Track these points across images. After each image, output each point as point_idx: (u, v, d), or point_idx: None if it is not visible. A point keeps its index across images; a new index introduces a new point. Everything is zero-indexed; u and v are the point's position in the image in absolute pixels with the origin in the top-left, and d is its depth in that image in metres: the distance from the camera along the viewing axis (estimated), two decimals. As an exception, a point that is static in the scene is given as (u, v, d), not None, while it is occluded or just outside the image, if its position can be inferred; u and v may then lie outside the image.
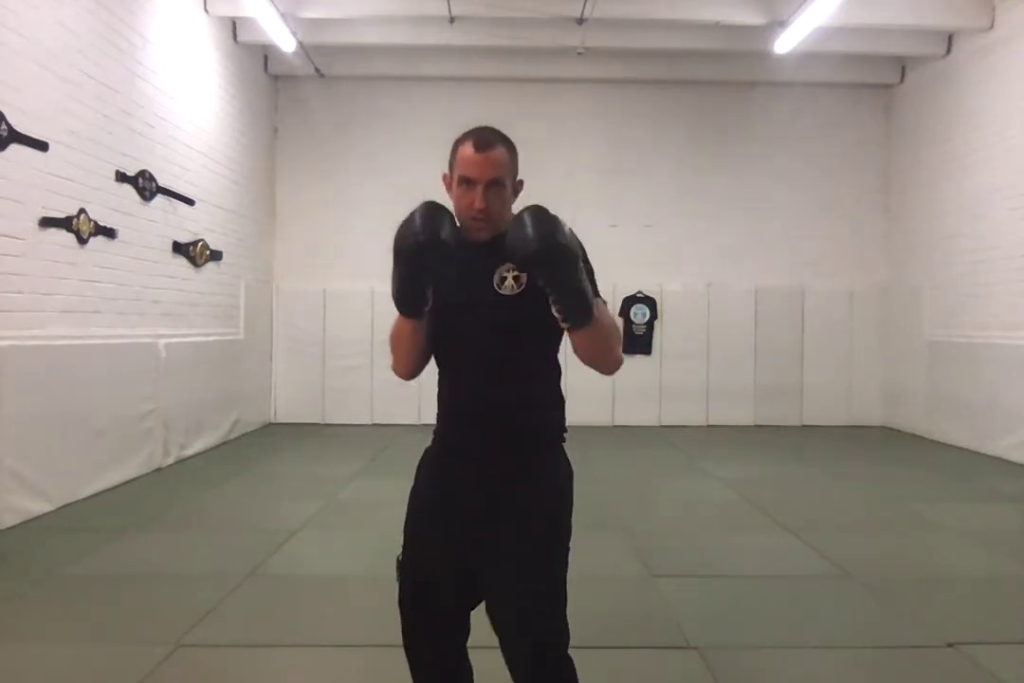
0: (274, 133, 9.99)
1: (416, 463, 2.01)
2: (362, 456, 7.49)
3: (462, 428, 1.90)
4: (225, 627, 3.31)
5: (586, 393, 6.71)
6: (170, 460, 6.85)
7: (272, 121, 9.94)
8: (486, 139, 1.82)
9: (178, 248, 7.27)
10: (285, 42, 8.35)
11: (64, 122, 5.44)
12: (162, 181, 6.87)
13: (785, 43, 8.27)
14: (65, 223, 5.46)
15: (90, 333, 5.74)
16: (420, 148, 9.73)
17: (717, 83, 10.02)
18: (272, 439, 8.70)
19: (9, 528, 4.69)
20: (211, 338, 7.93)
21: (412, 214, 1.73)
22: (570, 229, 1.68)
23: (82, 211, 5.64)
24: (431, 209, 1.73)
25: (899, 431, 9.55)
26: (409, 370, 1.92)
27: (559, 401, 1.95)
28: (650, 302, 9.90)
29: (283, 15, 7.84)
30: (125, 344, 6.19)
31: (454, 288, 1.80)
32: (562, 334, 1.85)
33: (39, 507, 5.01)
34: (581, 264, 1.67)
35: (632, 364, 9.66)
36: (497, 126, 1.93)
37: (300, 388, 9.82)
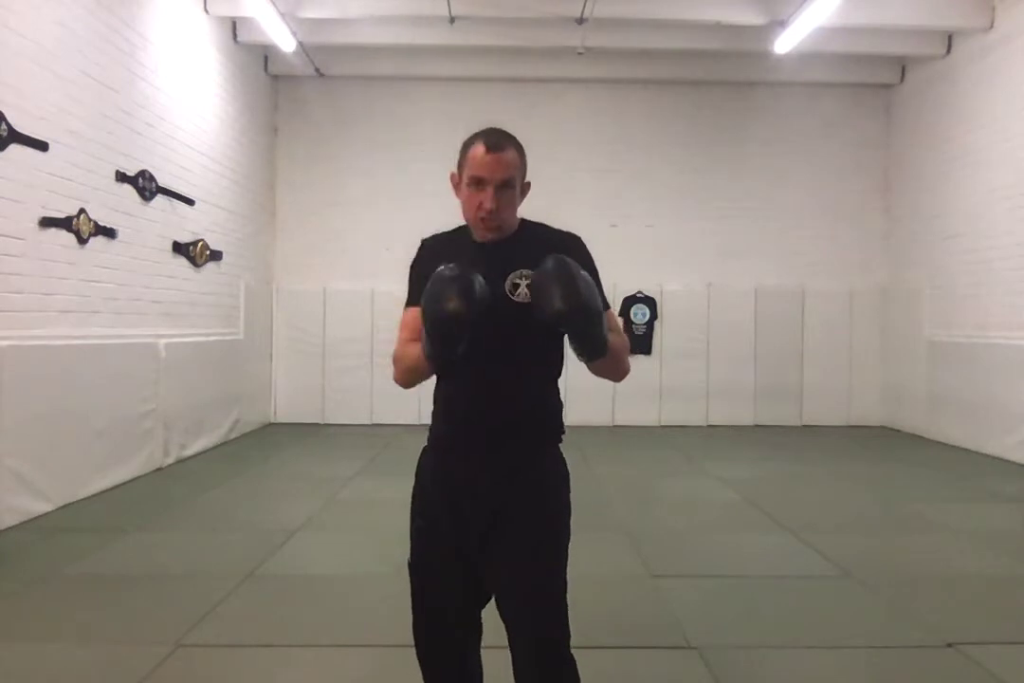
0: (274, 133, 9.99)
1: (415, 463, 2.01)
2: (362, 456, 7.49)
3: (463, 429, 1.90)
4: (225, 627, 3.31)
5: (586, 393, 6.72)
6: (170, 460, 6.85)
7: (272, 121, 9.94)
8: (497, 140, 1.83)
9: (178, 248, 7.27)
10: (285, 42, 8.36)
11: (64, 122, 5.44)
12: (162, 181, 6.87)
13: (785, 43, 8.27)
14: (65, 223, 5.46)
15: (90, 333, 5.74)
16: (420, 148, 9.75)
17: (717, 83, 10.02)
18: (272, 439, 8.70)
19: (9, 528, 4.69)
20: (211, 338, 7.93)
21: (445, 278, 1.69)
22: (587, 277, 1.70)
23: (82, 211, 5.64)
24: (465, 273, 1.70)
25: (899, 431, 9.55)
26: (412, 386, 1.94)
27: (558, 402, 1.97)
28: (650, 302, 9.90)
29: (283, 15, 7.84)
30: (125, 344, 6.19)
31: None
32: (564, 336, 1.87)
33: (39, 507, 5.01)
34: (602, 316, 1.72)
35: (632, 364, 9.56)
36: (497, 126, 1.94)
37: (300, 388, 9.82)
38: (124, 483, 6.04)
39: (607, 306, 1.82)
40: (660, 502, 5.85)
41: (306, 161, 10.00)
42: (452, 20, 8.11)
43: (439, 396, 1.96)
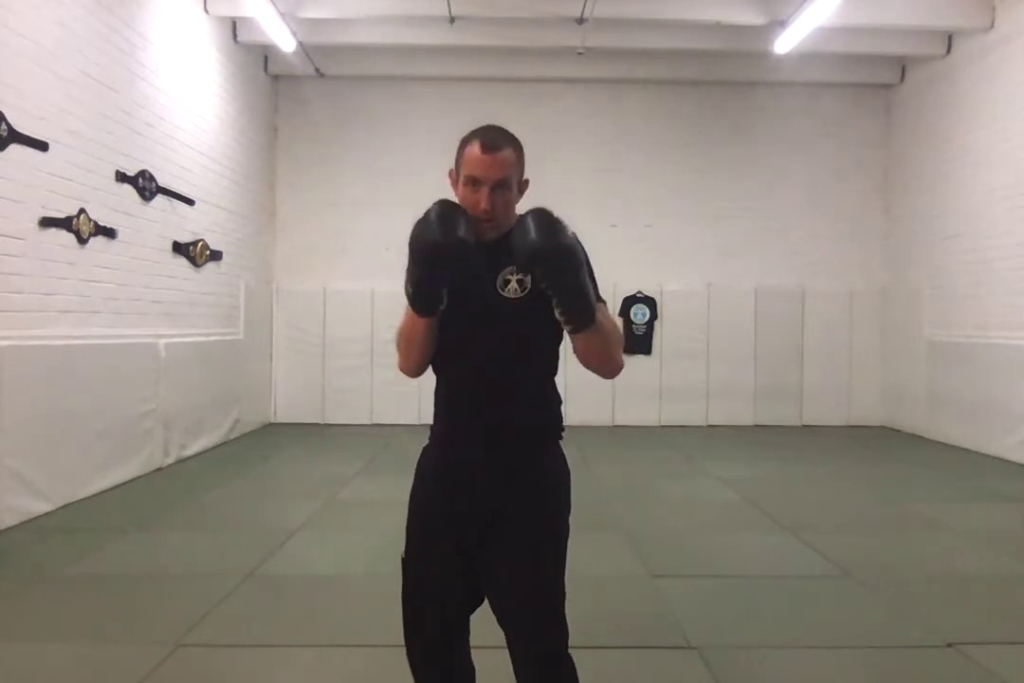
0: (274, 133, 9.99)
1: (415, 463, 2.01)
2: (362, 456, 7.49)
3: (462, 428, 1.90)
4: (225, 627, 3.31)
5: (586, 393, 6.73)
6: (170, 460, 6.85)
7: (272, 121, 9.94)
8: (493, 140, 1.81)
9: (178, 248, 7.27)
10: (285, 42, 8.36)
11: (64, 122, 5.44)
12: (162, 181, 6.87)
13: (785, 43, 8.27)
14: (65, 223, 5.46)
15: (90, 333, 5.74)
16: (420, 148, 9.75)
17: (717, 83, 10.02)
18: (272, 439, 8.70)
19: (9, 528, 4.69)
20: (211, 338, 7.93)
21: (427, 213, 1.72)
22: (573, 232, 1.69)
23: (82, 211, 5.64)
24: (447, 208, 1.73)
25: (899, 431, 9.55)
26: (418, 368, 1.92)
27: (557, 400, 1.96)
28: (650, 302, 9.90)
29: (283, 15, 7.84)
30: (125, 344, 6.19)
31: (462, 287, 1.79)
32: (562, 335, 1.86)
33: (39, 507, 5.01)
34: (584, 267, 1.69)
35: (632, 364, 9.64)
36: (494, 123, 1.93)
37: (300, 388, 9.82)
38: (124, 483, 6.04)
39: (601, 300, 1.80)
40: (660, 502, 5.85)
41: (306, 161, 10.00)
42: (451, 20, 8.11)
43: (439, 394, 1.95)
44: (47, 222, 5.27)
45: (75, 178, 5.58)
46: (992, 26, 8.00)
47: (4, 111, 4.81)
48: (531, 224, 1.67)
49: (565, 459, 1.95)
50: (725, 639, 3.21)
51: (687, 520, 5.22)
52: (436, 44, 8.86)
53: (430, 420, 2.00)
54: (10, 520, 4.74)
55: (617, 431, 9.51)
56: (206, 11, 7.78)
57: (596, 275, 1.82)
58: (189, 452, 7.23)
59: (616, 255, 9.49)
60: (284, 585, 3.87)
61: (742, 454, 8.06)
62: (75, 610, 3.49)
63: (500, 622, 1.86)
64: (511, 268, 1.80)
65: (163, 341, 6.75)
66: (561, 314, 1.70)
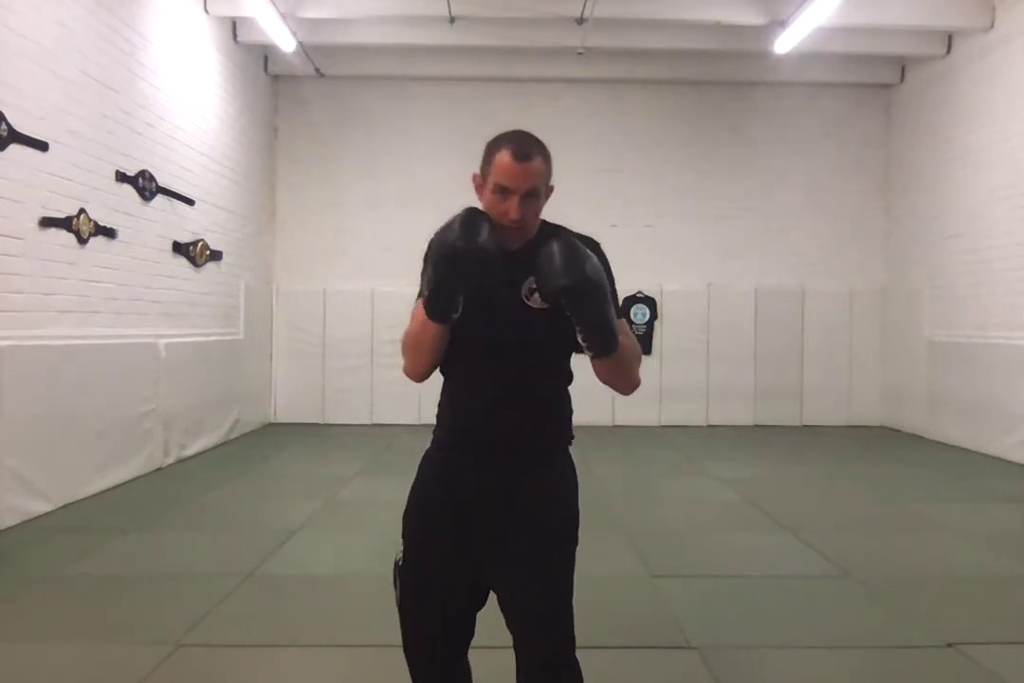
0: (274, 133, 9.99)
1: (416, 462, 2.01)
2: (362, 456, 7.49)
3: (474, 433, 1.87)
4: (225, 627, 3.31)
5: (586, 393, 6.69)
6: (170, 460, 6.85)
7: (272, 121, 9.94)
8: (525, 148, 1.77)
9: (178, 248, 7.27)
10: (285, 42, 8.35)
11: (64, 122, 5.44)
12: (162, 181, 6.87)
13: (785, 43, 8.27)
14: (65, 223, 5.46)
15: (90, 333, 5.74)
16: (420, 148, 9.75)
17: (717, 83, 10.02)
18: (272, 439, 8.70)
19: (9, 528, 4.69)
20: (211, 338, 7.93)
21: (453, 219, 1.70)
22: (596, 260, 1.68)
23: (82, 211, 5.64)
24: (472, 215, 1.70)
25: (899, 431, 9.55)
26: (424, 373, 1.88)
27: (569, 408, 1.95)
28: (650, 302, 9.90)
29: (283, 15, 7.84)
30: (125, 344, 6.19)
31: (483, 295, 1.76)
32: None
33: (39, 507, 5.01)
34: (609, 298, 1.68)
35: (632, 364, 9.65)
36: (496, 126, 1.92)
37: (300, 388, 9.82)
38: (124, 483, 6.04)
39: (621, 315, 1.79)
40: (660, 502, 5.85)
41: (306, 161, 10.00)
42: (452, 20, 8.11)
43: (448, 396, 1.92)
44: (47, 222, 5.27)
45: (75, 178, 5.58)
46: (992, 26, 8.00)
47: (4, 111, 4.81)
48: (556, 255, 1.65)
49: (575, 467, 1.94)
50: (725, 639, 3.21)
51: (687, 520, 5.22)
52: (436, 44, 8.86)
53: (430, 420, 1.99)
54: (10, 520, 4.74)
55: (617, 431, 9.51)
56: (206, 11, 7.78)
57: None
58: (189, 452, 7.23)
59: (616, 255, 9.31)
60: (284, 585, 3.87)
61: (742, 454, 8.06)
62: (75, 610, 3.49)
63: (509, 626, 1.85)
64: (535, 277, 1.75)
65: (163, 341, 6.75)
66: (583, 341, 1.71)
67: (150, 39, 6.67)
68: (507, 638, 1.83)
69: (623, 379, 1.84)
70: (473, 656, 2.03)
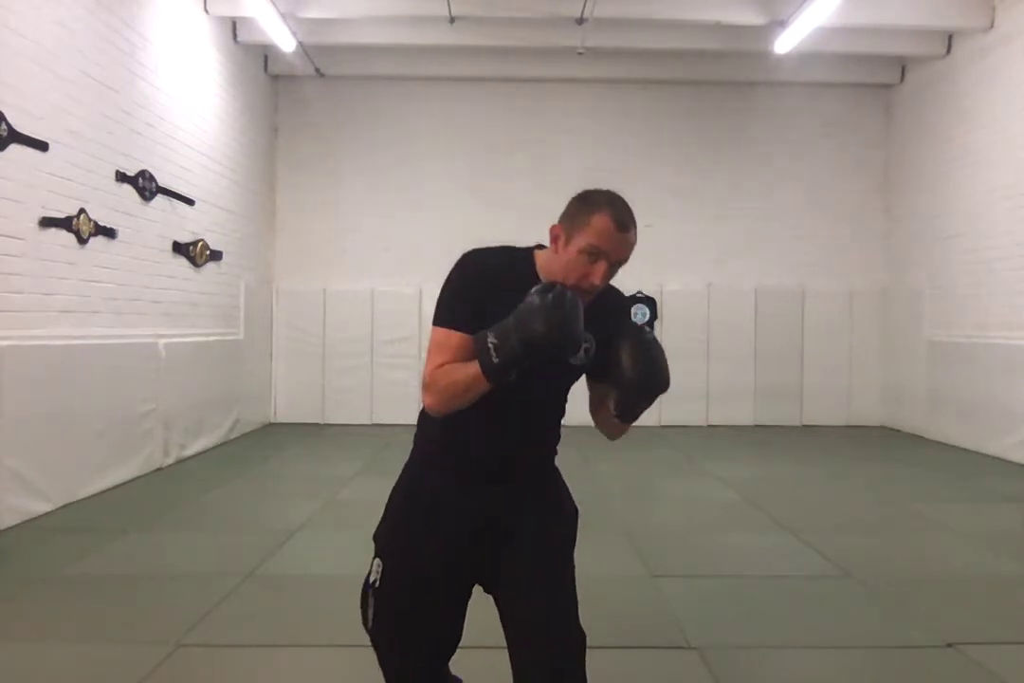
0: (274, 133, 9.99)
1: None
2: (362, 456, 7.49)
3: (479, 462, 1.84)
4: (225, 627, 3.31)
5: (586, 393, 6.72)
6: (170, 460, 6.85)
7: (272, 121, 9.94)
8: (626, 219, 1.73)
9: (178, 248, 7.27)
10: (285, 42, 8.35)
11: (64, 122, 5.44)
12: (162, 181, 6.87)
13: (785, 43, 8.27)
14: (65, 223, 5.46)
15: (90, 333, 5.74)
16: (420, 148, 9.75)
17: (717, 83, 10.02)
18: (272, 439, 8.70)
19: (9, 528, 4.69)
20: (211, 338, 7.93)
21: (556, 299, 1.58)
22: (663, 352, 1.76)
23: (82, 211, 5.64)
24: (572, 301, 1.60)
25: (899, 431, 9.55)
26: (453, 412, 1.76)
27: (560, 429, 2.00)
28: (650, 302, 9.89)
29: (283, 15, 7.83)
30: (125, 344, 6.18)
31: None
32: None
33: (39, 507, 5.01)
34: None
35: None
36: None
37: (300, 388, 9.81)
38: (124, 483, 6.03)
39: None
40: (660, 502, 5.85)
41: (306, 161, 9.99)
42: (452, 20, 8.11)
43: (458, 425, 1.80)
44: (47, 222, 5.27)
45: (75, 178, 5.58)
46: (992, 26, 8.00)
47: (4, 111, 4.81)
48: (657, 356, 1.72)
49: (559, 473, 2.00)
50: (725, 639, 3.21)
51: (687, 520, 5.23)
52: (436, 44, 8.85)
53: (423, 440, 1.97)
54: (10, 520, 4.73)
55: (617, 431, 9.49)
56: (206, 11, 7.78)
57: None
58: (189, 452, 7.23)
59: None
60: (284, 585, 3.86)
61: (742, 454, 8.06)
62: (75, 610, 3.49)
63: (515, 632, 1.79)
64: (586, 335, 1.70)
65: (163, 341, 6.75)
66: (615, 409, 1.76)
67: (150, 39, 6.67)
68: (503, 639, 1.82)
69: (618, 432, 1.95)
70: (473, 656, 2.03)
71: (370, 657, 3.02)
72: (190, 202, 7.46)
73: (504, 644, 1.84)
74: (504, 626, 1.79)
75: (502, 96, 9.79)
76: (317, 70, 9.48)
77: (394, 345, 9.63)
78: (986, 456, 7.64)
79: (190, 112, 7.52)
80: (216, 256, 8.07)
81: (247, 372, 8.85)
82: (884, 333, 10.04)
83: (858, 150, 10.17)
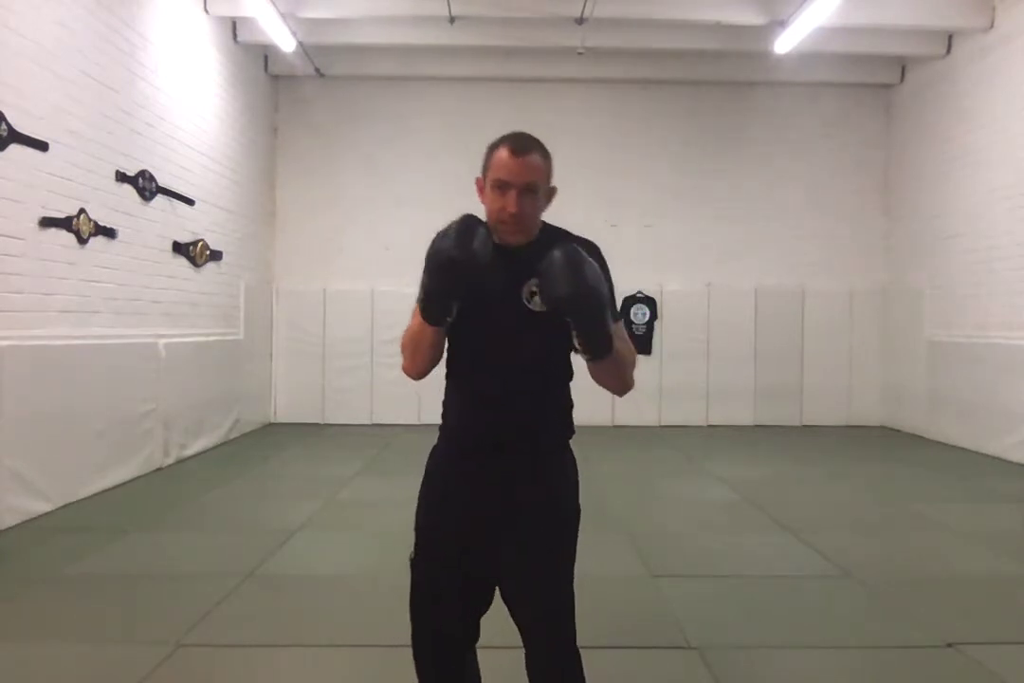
0: (274, 133, 9.99)
1: (416, 462, 2.01)
2: (362, 456, 7.49)
3: (477, 432, 1.90)
4: (225, 627, 3.31)
5: (586, 393, 6.71)
6: (170, 460, 6.85)
7: (272, 121, 9.94)
8: (523, 144, 1.83)
9: (178, 248, 7.27)
10: (285, 42, 8.35)
11: (64, 122, 5.44)
12: (162, 181, 6.87)
13: (785, 43, 8.27)
14: (65, 223, 5.46)
15: (90, 333, 5.74)
16: (420, 148, 9.76)
17: (717, 83, 10.02)
18: (272, 439, 8.70)
19: (9, 528, 4.69)
20: (211, 338, 7.93)
21: (448, 227, 1.73)
22: (597, 268, 1.71)
23: (82, 211, 5.64)
24: (468, 223, 1.73)
25: (899, 431, 9.55)
26: (421, 371, 1.93)
27: (569, 404, 1.98)
28: (650, 302, 9.90)
29: (283, 15, 7.83)
30: (125, 344, 6.18)
31: (483, 291, 1.79)
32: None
33: (39, 507, 5.01)
34: (607, 306, 1.71)
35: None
36: (496, 126, 1.94)
37: (300, 388, 9.81)
38: (124, 483, 6.04)
39: (617, 317, 1.83)
40: (660, 502, 5.85)
41: (306, 161, 10.00)
42: (452, 20, 8.11)
43: (453, 398, 1.95)
44: (47, 222, 5.27)
45: (75, 178, 5.58)
46: (992, 26, 8.00)
47: (4, 111, 4.81)
48: (559, 263, 1.68)
49: (575, 462, 1.98)
50: (725, 639, 3.21)
51: (687, 520, 5.22)
52: (436, 44, 8.85)
53: (430, 420, 2.01)
54: (10, 520, 4.74)
55: (617, 431, 9.51)
56: (206, 11, 7.78)
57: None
58: (189, 452, 7.23)
59: (616, 255, 9.36)
60: (284, 585, 3.86)
61: (742, 454, 8.06)
62: (75, 610, 3.49)
63: (514, 616, 1.89)
64: (536, 281, 1.78)
65: (163, 341, 6.75)
66: (579, 345, 1.74)
67: (150, 39, 6.67)
68: (509, 638, 1.83)
69: (616, 381, 1.88)
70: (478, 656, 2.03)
71: (370, 657, 3.03)
72: (190, 202, 7.46)
73: (507, 644, 1.86)
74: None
75: (502, 96, 9.80)
76: (317, 70, 9.48)
77: (394, 345, 9.43)
78: (986, 456, 7.64)
79: (190, 112, 7.52)
80: (216, 256, 8.07)
81: (247, 372, 8.85)
82: (884, 333, 10.04)
83: (858, 150, 10.17)
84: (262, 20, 7.80)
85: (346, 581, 3.94)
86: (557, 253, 1.69)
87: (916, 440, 8.92)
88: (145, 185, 6.58)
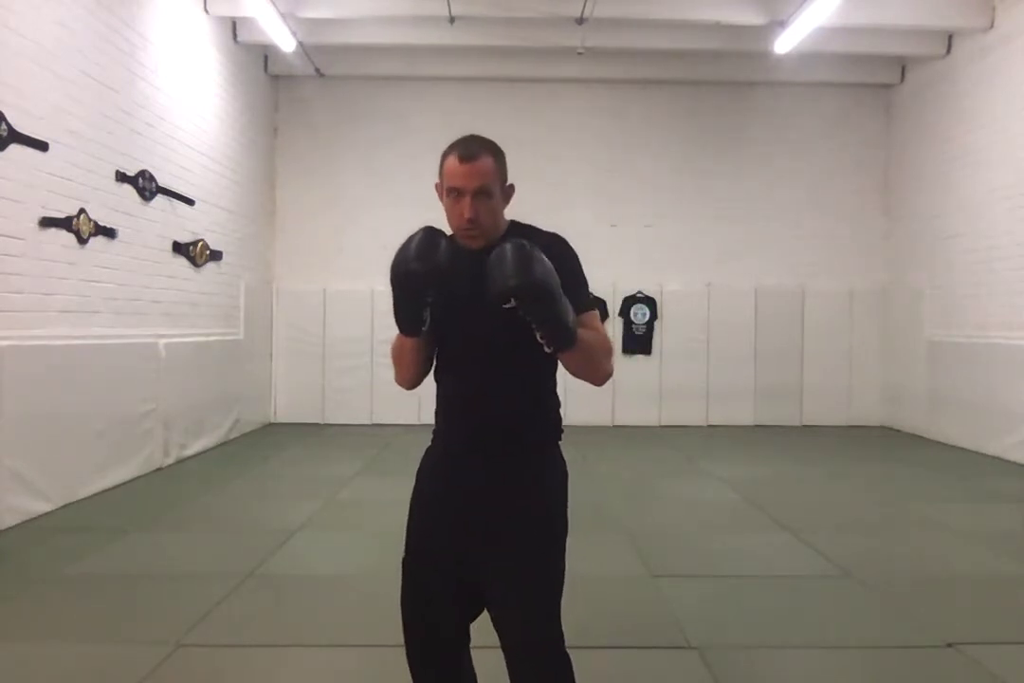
0: (274, 133, 9.99)
1: (416, 462, 2.02)
2: (362, 456, 7.49)
3: (461, 433, 1.92)
4: (225, 627, 3.31)
5: (586, 393, 6.70)
6: (170, 460, 6.85)
7: (272, 121, 9.94)
8: (470, 150, 1.83)
9: (178, 248, 7.27)
10: (285, 42, 8.35)
11: (64, 122, 5.44)
12: (162, 181, 6.87)
13: (785, 43, 8.27)
14: (65, 223, 5.46)
15: (90, 333, 5.74)
16: (420, 148, 9.71)
17: (717, 83, 10.02)
18: (272, 439, 8.70)
19: (9, 528, 4.69)
20: (211, 338, 7.93)
21: (408, 240, 1.75)
22: (546, 261, 1.68)
23: (82, 211, 5.64)
24: (427, 235, 1.75)
25: (899, 431, 9.55)
26: (411, 382, 1.97)
27: (555, 402, 1.98)
28: (650, 302, 9.90)
29: (283, 15, 7.83)
30: (125, 344, 6.18)
31: (454, 295, 1.82)
32: None
33: (39, 507, 5.01)
34: (560, 297, 1.69)
35: (632, 364, 9.66)
36: (496, 126, 1.95)
37: (300, 388, 9.82)
38: (124, 483, 6.04)
39: (591, 307, 1.84)
40: (660, 502, 5.85)
41: (306, 161, 10.00)
42: (452, 20, 8.11)
43: (438, 399, 1.98)
44: (47, 222, 5.27)
45: (75, 178, 5.58)
46: (992, 26, 8.00)
47: (4, 111, 4.81)
48: (506, 257, 1.66)
49: (564, 461, 1.96)
50: (725, 639, 3.21)
51: (687, 520, 5.22)
52: (436, 44, 8.86)
53: (430, 420, 2.01)
54: (10, 520, 4.74)
55: (617, 431, 9.51)
56: (206, 11, 7.78)
57: (593, 276, 1.87)
58: (189, 452, 7.23)
59: (616, 255, 9.50)
60: (284, 585, 3.86)
61: (742, 454, 8.06)
62: (75, 610, 3.49)
63: (496, 625, 1.87)
64: None
65: (163, 341, 6.75)
66: (540, 338, 1.72)
67: (150, 39, 6.67)
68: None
69: (588, 371, 1.86)
70: (473, 656, 2.03)
71: (370, 657, 3.03)
72: (190, 202, 7.46)
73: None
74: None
75: (502, 96, 9.80)
76: (317, 70, 9.48)
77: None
78: (986, 456, 7.64)
79: (190, 112, 7.52)
80: (216, 256, 8.07)
81: (247, 372, 8.85)
82: (884, 333, 10.04)
83: (858, 150, 10.17)
84: (262, 20, 7.80)
85: (346, 581, 3.94)
86: (504, 247, 1.69)
87: (916, 440, 8.92)
88: (145, 185, 6.58)
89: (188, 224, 7.49)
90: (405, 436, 8.41)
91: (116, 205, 6.15)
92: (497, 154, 1.86)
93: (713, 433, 9.51)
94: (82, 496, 5.48)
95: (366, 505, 5.56)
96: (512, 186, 1.92)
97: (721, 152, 10.09)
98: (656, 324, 9.92)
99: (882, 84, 10.04)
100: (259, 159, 9.49)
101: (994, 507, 5.69)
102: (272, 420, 9.80)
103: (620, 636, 3.21)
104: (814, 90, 10.02)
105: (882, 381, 10.00)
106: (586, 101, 10.05)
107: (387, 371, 2.05)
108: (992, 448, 7.64)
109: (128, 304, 6.35)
